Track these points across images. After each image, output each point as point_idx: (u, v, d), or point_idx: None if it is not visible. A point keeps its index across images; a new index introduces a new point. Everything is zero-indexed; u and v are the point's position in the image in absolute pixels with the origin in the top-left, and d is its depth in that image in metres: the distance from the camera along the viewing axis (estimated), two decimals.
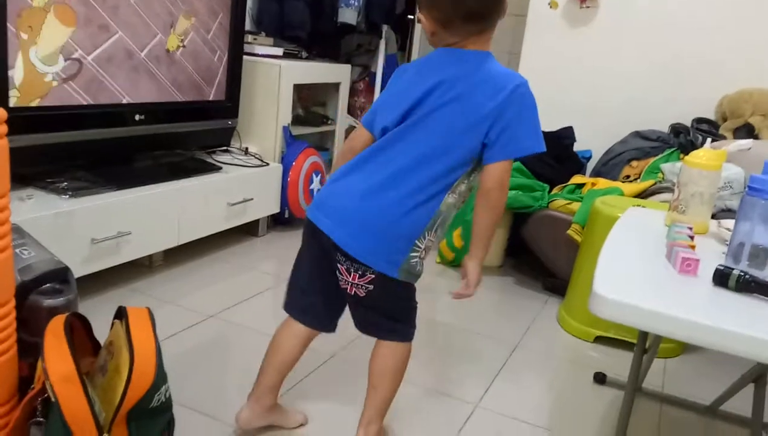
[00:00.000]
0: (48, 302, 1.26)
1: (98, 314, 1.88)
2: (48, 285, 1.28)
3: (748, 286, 1.09)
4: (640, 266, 1.21)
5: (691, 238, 1.30)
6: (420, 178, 1.22)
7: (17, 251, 1.28)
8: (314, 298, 1.39)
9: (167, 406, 1.18)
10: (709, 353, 2.11)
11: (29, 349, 1.21)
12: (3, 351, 1.11)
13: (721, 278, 1.11)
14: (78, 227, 1.90)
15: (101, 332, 1.29)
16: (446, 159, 1.23)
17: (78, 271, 1.91)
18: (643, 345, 1.42)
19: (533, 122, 1.25)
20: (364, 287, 1.28)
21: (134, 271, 2.27)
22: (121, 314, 1.25)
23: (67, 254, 1.82)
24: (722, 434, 1.73)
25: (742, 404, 1.66)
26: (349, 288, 1.29)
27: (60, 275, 1.31)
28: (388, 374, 1.37)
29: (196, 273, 2.39)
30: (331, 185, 1.32)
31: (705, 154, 1.48)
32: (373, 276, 1.26)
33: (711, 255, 1.28)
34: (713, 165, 1.46)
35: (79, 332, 1.27)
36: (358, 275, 1.27)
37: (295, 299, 1.42)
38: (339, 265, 1.28)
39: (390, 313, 1.35)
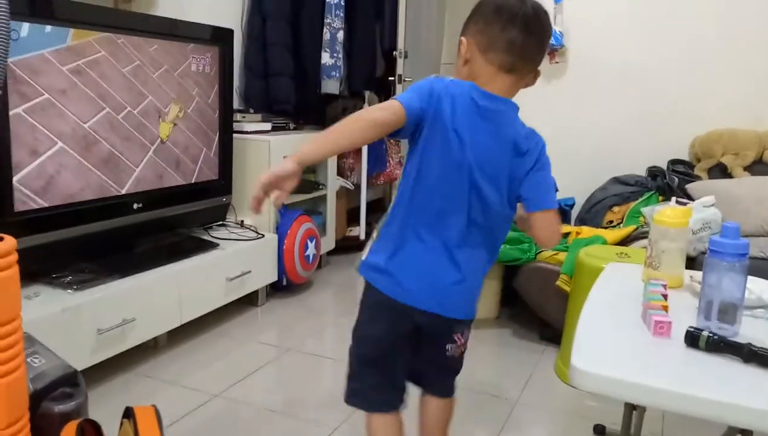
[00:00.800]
0: (59, 407, 1.32)
1: (106, 401, 1.95)
2: (59, 391, 1.35)
3: (717, 346, 1.15)
4: (617, 330, 1.28)
5: (665, 296, 1.38)
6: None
7: (28, 360, 1.35)
8: (401, 375, 1.40)
9: None
10: None
11: None
12: None
13: (692, 339, 1.18)
14: (84, 319, 1.97)
15: (111, 422, 1.35)
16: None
17: (85, 362, 1.98)
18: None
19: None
20: (465, 345, 1.40)
21: (139, 354, 2.33)
22: (128, 413, 1.32)
23: (75, 346, 1.91)
24: None
25: None
26: (459, 353, 1.39)
27: (70, 380, 1.38)
28: (446, 424, 1.47)
29: (199, 351, 2.45)
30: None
31: (672, 212, 1.56)
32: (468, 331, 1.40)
33: (685, 311, 1.35)
34: (680, 223, 1.55)
35: (91, 435, 1.32)
36: (465, 334, 1.39)
37: (386, 391, 1.38)
38: (456, 335, 1.36)
39: (461, 363, 1.45)
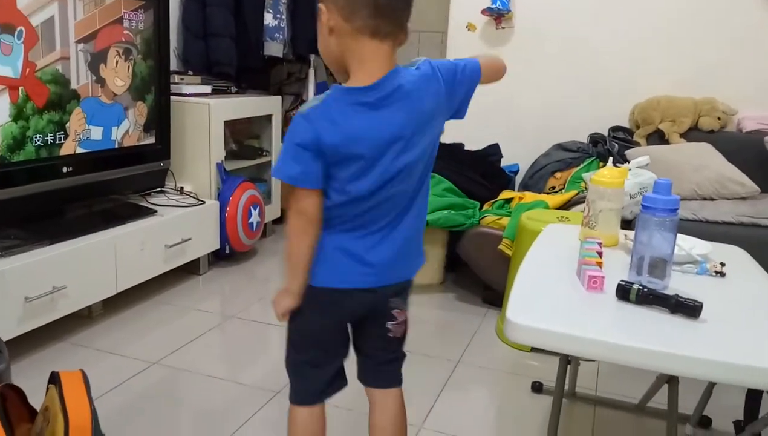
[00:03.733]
0: None
1: (39, 371, 1.88)
2: None
3: (646, 298, 1.19)
4: (552, 286, 1.30)
5: (600, 254, 1.40)
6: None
7: None
8: (338, 365, 1.30)
9: None
10: None
11: None
12: None
13: (623, 292, 1.20)
14: (10, 286, 1.87)
15: (41, 392, 1.29)
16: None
17: (12, 331, 1.89)
18: (566, 356, 1.51)
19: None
20: (406, 321, 1.29)
21: (74, 323, 2.24)
22: (54, 378, 1.26)
23: (0, 315, 1.81)
24: (651, 429, 1.84)
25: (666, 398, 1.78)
26: (401, 331, 1.28)
27: None
28: (403, 425, 1.34)
29: (137, 319, 2.38)
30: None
31: (608, 172, 1.59)
32: (406, 306, 1.28)
33: (619, 268, 1.37)
34: (616, 182, 1.57)
35: (14, 400, 1.27)
36: (406, 305, 1.27)
37: (316, 385, 1.28)
38: (395, 311, 1.24)
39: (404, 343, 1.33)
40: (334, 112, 1.07)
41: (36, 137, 2.10)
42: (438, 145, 1.22)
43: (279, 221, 3.59)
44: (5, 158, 2.01)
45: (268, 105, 3.34)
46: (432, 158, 1.22)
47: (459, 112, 1.24)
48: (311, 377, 1.28)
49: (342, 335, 1.28)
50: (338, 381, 1.30)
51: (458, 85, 1.19)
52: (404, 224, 1.19)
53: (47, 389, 1.29)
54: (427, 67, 1.16)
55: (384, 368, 1.33)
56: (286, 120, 3.77)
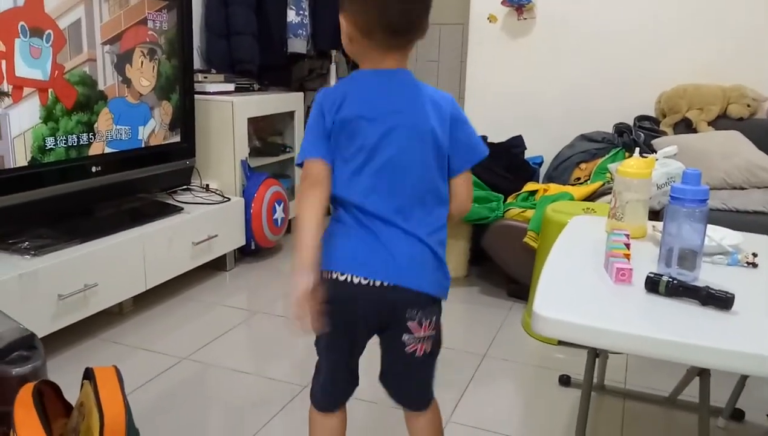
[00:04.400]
0: (16, 370, 1.29)
1: (71, 368, 1.92)
2: (15, 354, 1.31)
3: (676, 290, 1.17)
4: (579, 279, 1.29)
5: (627, 245, 1.39)
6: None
7: None
8: (351, 372, 1.30)
9: None
10: None
11: (2, 418, 1.24)
12: None
13: (652, 285, 1.19)
14: (43, 285, 1.92)
15: (76, 387, 1.32)
16: None
17: (47, 328, 1.94)
18: (594, 349, 1.50)
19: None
20: (431, 337, 1.23)
21: (105, 320, 2.29)
22: (88, 374, 1.29)
23: (34, 313, 1.86)
24: (681, 423, 1.82)
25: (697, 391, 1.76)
26: (419, 348, 1.21)
27: (26, 342, 1.35)
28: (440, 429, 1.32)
29: (167, 315, 2.42)
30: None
31: (635, 163, 1.57)
32: (436, 317, 1.23)
33: (647, 260, 1.36)
34: (643, 173, 1.55)
35: (50, 396, 1.30)
36: (429, 323, 1.21)
37: (335, 392, 1.30)
38: (410, 322, 1.18)
39: (435, 362, 1.28)
40: (345, 80, 1.18)
41: (66, 138, 2.14)
42: (437, 177, 1.19)
43: None
44: (36, 159, 2.05)
45: (291, 101, 3.36)
46: (431, 178, 1.18)
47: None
48: (323, 384, 1.29)
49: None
50: (350, 387, 1.30)
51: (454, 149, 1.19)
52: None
53: (82, 384, 1.32)
54: (450, 107, 1.20)
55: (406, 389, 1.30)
56: (308, 115, 3.79)
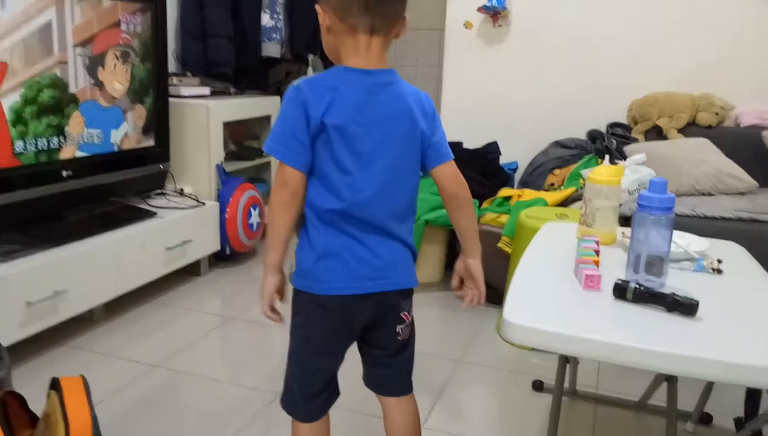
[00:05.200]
0: None
1: (39, 376, 1.89)
2: None
3: (643, 297, 1.19)
4: (549, 285, 1.31)
5: (597, 252, 1.40)
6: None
7: None
8: (335, 380, 1.33)
9: None
10: None
11: None
12: None
13: (620, 291, 1.21)
14: (11, 291, 1.88)
15: (43, 397, 1.30)
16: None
17: (14, 336, 1.90)
18: (564, 355, 1.52)
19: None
20: (411, 324, 1.30)
21: (76, 327, 2.25)
22: (55, 384, 1.27)
23: (1, 320, 1.83)
24: (651, 427, 1.84)
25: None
26: (407, 334, 1.29)
27: None
28: (418, 426, 1.35)
29: (139, 322, 2.39)
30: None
31: (605, 170, 1.60)
32: (411, 308, 1.29)
33: (616, 266, 1.38)
34: (613, 180, 1.58)
35: (14, 406, 1.27)
36: (411, 309, 1.29)
37: (320, 401, 1.30)
38: (403, 313, 1.25)
39: (413, 347, 1.34)
40: (331, 75, 1.14)
41: (35, 141, 2.11)
42: (417, 172, 1.23)
43: None
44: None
45: (267, 105, 3.35)
46: (411, 174, 1.22)
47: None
48: (306, 396, 1.28)
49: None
50: (332, 396, 1.32)
51: (432, 146, 1.22)
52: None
53: (48, 394, 1.30)
54: (431, 105, 1.24)
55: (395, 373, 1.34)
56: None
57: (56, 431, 1.18)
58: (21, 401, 1.27)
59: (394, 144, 1.17)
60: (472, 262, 1.34)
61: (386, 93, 1.16)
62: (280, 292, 1.22)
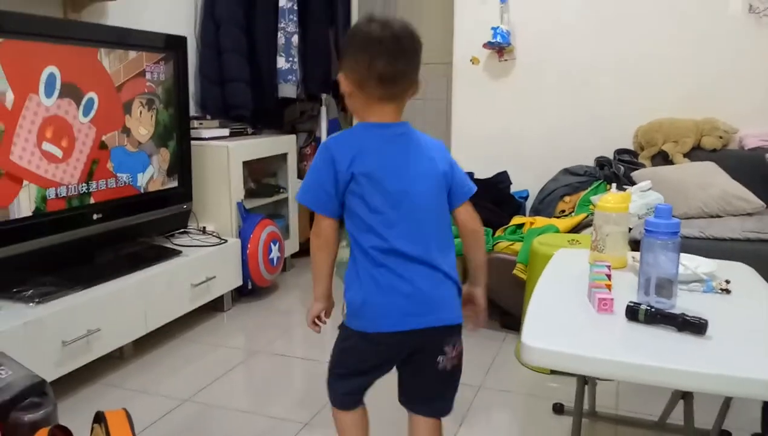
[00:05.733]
0: (29, 416, 1.34)
1: (75, 413, 1.96)
2: (28, 400, 1.37)
3: (654, 318, 1.25)
4: (564, 309, 1.37)
5: (609, 276, 1.47)
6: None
7: None
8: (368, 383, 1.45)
9: None
10: None
11: None
12: None
13: (632, 313, 1.27)
14: (48, 332, 1.97)
15: (80, 431, 1.37)
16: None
17: (51, 374, 1.98)
18: (583, 376, 1.57)
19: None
20: (460, 354, 1.41)
21: (107, 364, 2.33)
22: (99, 418, 1.34)
23: (39, 359, 1.91)
24: None
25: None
26: (449, 365, 1.38)
27: (38, 389, 1.40)
28: None
29: (167, 358, 2.46)
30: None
31: (612, 198, 1.67)
32: (460, 339, 1.40)
33: (628, 289, 1.44)
34: (620, 207, 1.65)
35: None
36: (459, 345, 1.39)
37: (354, 396, 1.46)
38: (446, 347, 1.36)
39: (458, 377, 1.44)
40: (354, 133, 1.32)
41: (67, 187, 2.22)
42: (446, 206, 1.38)
43: (298, 254, 3.68)
44: (40, 209, 2.12)
45: (284, 144, 3.47)
46: (441, 208, 1.36)
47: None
48: (341, 387, 1.44)
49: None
50: (359, 396, 1.46)
51: (454, 186, 1.39)
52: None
53: (92, 428, 1.37)
54: (448, 153, 1.41)
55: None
56: (300, 156, 3.90)
57: None
58: (68, 434, 1.34)
59: (418, 183, 1.31)
60: (479, 290, 1.49)
61: (402, 141, 1.33)
62: (327, 314, 1.45)
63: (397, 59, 1.27)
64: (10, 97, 1.98)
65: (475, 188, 1.44)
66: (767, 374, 1.06)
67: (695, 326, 1.20)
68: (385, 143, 1.31)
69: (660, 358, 1.12)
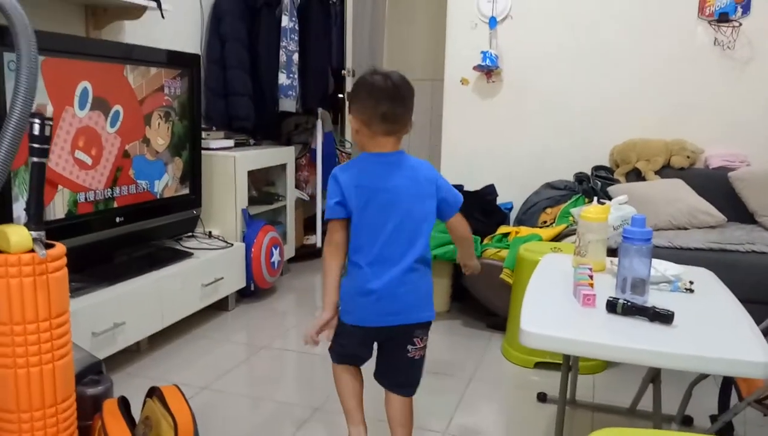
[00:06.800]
0: (91, 391, 1.53)
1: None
2: (88, 377, 1.55)
3: (630, 310, 1.50)
4: (554, 303, 1.61)
5: (591, 277, 1.71)
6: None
7: None
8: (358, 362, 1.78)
9: None
10: (626, 366, 2.53)
11: (80, 432, 1.47)
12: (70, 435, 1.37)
13: (611, 306, 1.51)
14: (80, 323, 2.14)
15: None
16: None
17: None
18: (568, 364, 1.81)
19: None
20: (424, 348, 1.71)
21: (125, 357, 2.50)
22: (152, 392, 1.54)
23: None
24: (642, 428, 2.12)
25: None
26: (417, 354, 1.69)
27: (96, 368, 1.59)
28: (411, 412, 1.77)
29: (180, 352, 2.65)
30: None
31: (594, 209, 1.92)
32: (426, 336, 1.70)
33: (607, 288, 1.68)
34: (600, 218, 1.90)
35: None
36: (426, 338, 1.70)
37: (347, 356, 1.76)
38: (416, 338, 1.67)
39: (422, 364, 1.74)
40: (358, 162, 1.66)
41: (95, 193, 2.40)
42: (430, 222, 1.67)
43: (293, 260, 3.88)
44: (71, 212, 2.30)
45: (284, 155, 3.68)
46: (423, 224, 1.65)
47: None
48: (337, 357, 1.77)
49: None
50: (360, 359, 1.76)
51: (441, 201, 1.69)
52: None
53: (144, 402, 1.57)
54: (432, 172, 1.71)
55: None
56: (296, 167, 4.10)
57: (159, 428, 1.45)
58: (126, 405, 1.53)
59: (405, 200, 1.61)
60: (474, 262, 1.94)
61: (396, 166, 1.63)
62: (331, 326, 1.68)
63: (396, 103, 1.58)
64: (50, 109, 2.16)
65: (461, 198, 1.72)
66: (722, 354, 1.30)
67: (664, 317, 1.45)
68: (380, 167, 1.62)
69: (636, 341, 1.36)
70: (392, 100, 1.57)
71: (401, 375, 1.72)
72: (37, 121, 1.27)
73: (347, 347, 1.72)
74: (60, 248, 1.34)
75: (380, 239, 1.59)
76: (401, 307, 1.62)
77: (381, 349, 1.73)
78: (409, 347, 1.67)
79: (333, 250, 1.66)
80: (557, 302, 1.62)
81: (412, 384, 1.74)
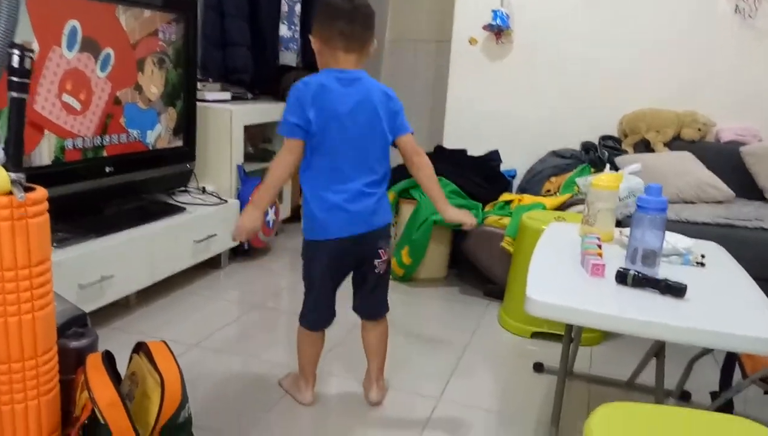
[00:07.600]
0: (74, 344, 1.46)
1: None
2: (72, 330, 1.48)
3: (640, 282, 1.43)
4: (561, 272, 1.54)
5: (599, 246, 1.64)
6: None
7: None
8: (332, 303, 1.86)
9: (190, 421, 1.41)
10: (625, 339, 2.49)
11: (62, 386, 1.41)
12: (50, 390, 1.31)
13: (621, 277, 1.45)
14: (66, 274, 2.07)
15: None
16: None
17: None
18: (570, 335, 1.76)
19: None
20: (387, 260, 1.83)
21: (113, 311, 2.43)
22: (139, 347, 1.47)
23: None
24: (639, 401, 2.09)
25: (652, 376, 2.03)
26: (383, 268, 1.83)
27: (80, 320, 1.52)
28: (385, 341, 1.95)
29: (170, 308, 2.58)
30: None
31: (606, 177, 1.84)
32: (388, 247, 1.82)
33: (615, 258, 1.62)
34: (612, 186, 1.82)
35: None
36: (387, 248, 1.81)
37: (322, 318, 1.88)
38: (380, 250, 1.79)
39: (388, 280, 1.88)
40: (319, 77, 1.69)
41: (83, 139, 2.30)
42: (387, 140, 1.75)
43: (289, 220, 3.80)
44: (59, 159, 2.21)
45: (281, 111, 3.55)
46: (381, 143, 1.74)
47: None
48: (315, 308, 1.85)
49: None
50: (331, 316, 1.87)
51: (394, 123, 1.77)
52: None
53: (130, 358, 1.50)
54: (391, 93, 1.78)
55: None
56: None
57: (145, 385, 1.39)
58: (111, 360, 1.46)
59: (362, 116, 1.68)
60: (450, 212, 1.83)
61: (355, 84, 1.69)
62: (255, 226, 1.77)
63: (354, 19, 1.66)
64: (35, 47, 2.05)
65: (410, 128, 1.79)
66: (736, 329, 1.24)
67: (676, 290, 1.38)
68: (339, 84, 1.67)
69: (647, 313, 1.30)
70: (350, 18, 1.65)
71: (374, 297, 1.87)
72: (16, 52, 1.17)
73: (320, 273, 1.79)
74: (41, 191, 1.25)
75: (340, 156, 1.68)
76: (366, 217, 1.73)
77: (354, 276, 1.85)
78: (376, 262, 1.80)
79: (290, 159, 1.71)
80: (564, 271, 1.55)
81: (383, 302, 1.91)
